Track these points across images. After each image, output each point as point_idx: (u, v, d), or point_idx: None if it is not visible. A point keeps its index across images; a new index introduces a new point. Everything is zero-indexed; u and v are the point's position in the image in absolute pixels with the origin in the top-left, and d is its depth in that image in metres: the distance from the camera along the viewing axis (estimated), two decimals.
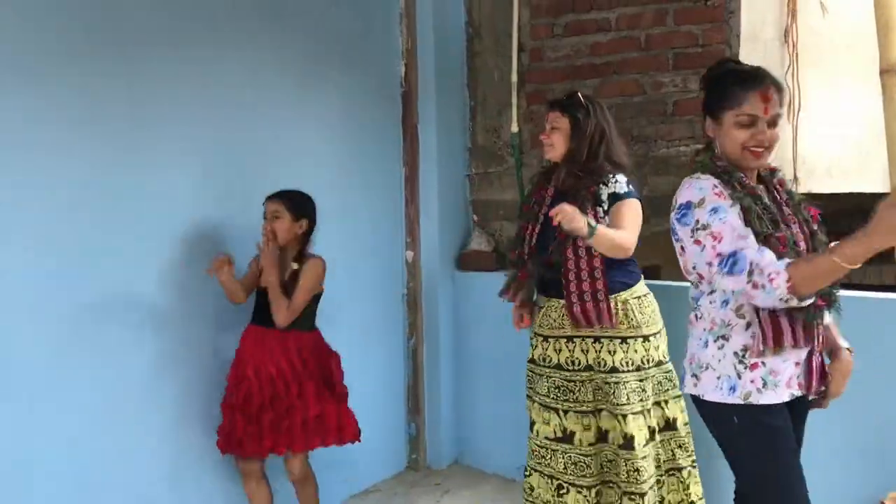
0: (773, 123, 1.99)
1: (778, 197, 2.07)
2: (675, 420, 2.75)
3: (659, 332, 2.76)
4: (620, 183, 2.68)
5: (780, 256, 1.87)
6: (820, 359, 2.04)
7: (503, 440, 3.48)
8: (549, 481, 2.77)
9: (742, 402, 1.99)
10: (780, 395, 2.00)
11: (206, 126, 2.89)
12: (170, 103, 2.75)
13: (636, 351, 2.69)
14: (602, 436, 2.71)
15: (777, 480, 2.00)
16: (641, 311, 2.71)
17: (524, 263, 2.79)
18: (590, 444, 2.71)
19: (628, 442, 2.63)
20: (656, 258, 3.13)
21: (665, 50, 3.46)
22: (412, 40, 3.78)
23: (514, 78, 3.83)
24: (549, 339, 2.78)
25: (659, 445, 2.71)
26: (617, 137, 2.79)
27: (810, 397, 2.06)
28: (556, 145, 2.75)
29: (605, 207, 2.66)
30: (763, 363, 1.98)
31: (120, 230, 2.64)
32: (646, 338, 2.70)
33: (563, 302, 2.71)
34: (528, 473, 2.85)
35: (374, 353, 3.71)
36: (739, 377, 1.99)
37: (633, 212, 2.65)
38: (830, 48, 4.04)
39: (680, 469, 2.73)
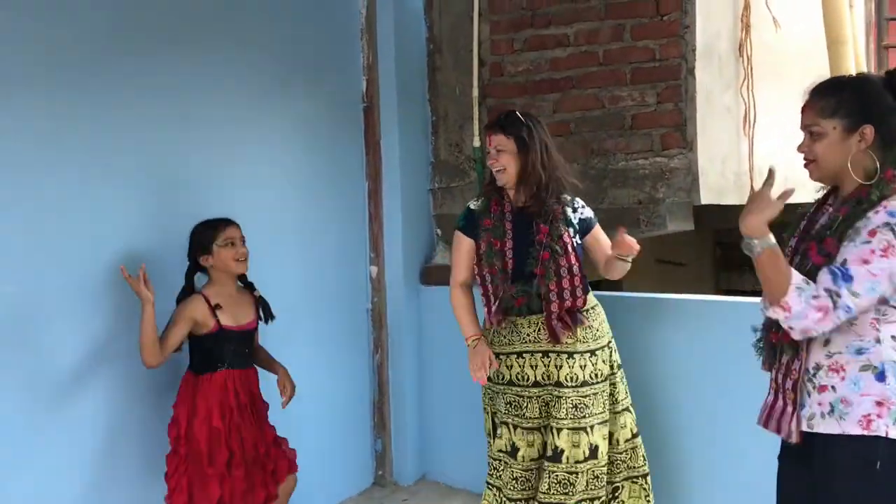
0: (810, 135, 1.88)
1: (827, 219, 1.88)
2: (596, 448, 2.73)
3: (606, 346, 2.80)
4: (586, 207, 2.84)
5: None
6: (780, 403, 1.89)
7: (470, 455, 3.47)
8: (498, 493, 2.81)
9: None
10: None
11: (158, 143, 2.83)
12: (119, 118, 2.69)
13: (583, 367, 2.72)
14: (554, 453, 2.72)
15: None
16: (590, 323, 2.75)
17: (506, 281, 2.73)
18: (532, 460, 2.76)
19: (556, 454, 2.68)
20: None
21: (623, 65, 3.51)
22: (373, 55, 3.79)
23: (476, 93, 3.86)
24: (500, 357, 2.79)
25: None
26: (555, 149, 2.81)
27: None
28: (507, 168, 2.72)
29: (577, 229, 2.78)
30: None
31: (66, 249, 2.56)
32: (592, 352, 2.74)
33: (527, 319, 2.74)
34: (486, 489, 2.88)
35: (338, 369, 3.69)
36: None
37: (605, 236, 2.85)
38: (784, 61, 4.13)
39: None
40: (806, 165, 1.90)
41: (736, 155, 3.78)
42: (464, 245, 2.85)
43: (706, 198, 3.42)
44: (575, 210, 2.80)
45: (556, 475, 2.68)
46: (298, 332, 3.40)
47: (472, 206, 2.88)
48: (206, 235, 2.65)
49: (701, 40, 3.41)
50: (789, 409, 1.86)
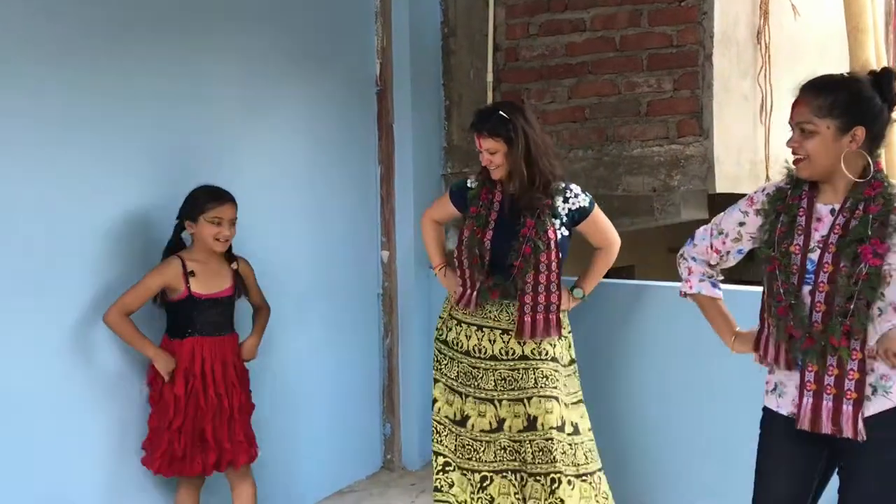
0: (801, 131, 1.89)
1: (840, 219, 1.88)
2: (571, 424, 2.79)
3: (568, 335, 2.88)
4: (580, 196, 2.80)
5: (768, 277, 1.95)
6: (829, 404, 1.87)
7: None
8: (436, 459, 2.91)
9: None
10: (783, 406, 2.00)
11: (172, 121, 2.82)
12: (137, 96, 2.68)
13: (552, 345, 2.79)
14: (499, 425, 2.78)
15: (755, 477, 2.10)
16: (563, 333, 2.84)
17: (482, 271, 2.79)
18: (481, 431, 2.82)
19: (532, 423, 2.74)
20: (630, 258, 3.14)
21: (639, 51, 3.48)
22: (387, 39, 3.76)
23: (490, 77, 3.84)
24: (462, 325, 2.88)
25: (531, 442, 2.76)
26: (544, 138, 2.78)
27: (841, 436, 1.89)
28: (500, 167, 2.73)
29: (564, 221, 2.76)
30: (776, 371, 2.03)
31: (75, 231, 2.56)
32: (561, 335, 2.82)
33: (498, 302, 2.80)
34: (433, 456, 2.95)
35: (349, 353, 3.69)
36: (769, 373, 2.08)
37: (604, 219, 2.85)
38: (802, 49, 4.09)
39: (547, 474, 2.73)
40: (795, 162, 1.93)
41: (752, 143, 3.75)
42: (448, 206, 2.97)
43: (721, 186, 3.40)
44: (567, 200, 2.77)
45: (536, 443, 2.73)
46: (309, 316, 3.41)
47: (469, 185, 2.90)
48: (198, 205, 2.63)
49: (719, 27, 3.37)
50: (847, 407, 1.85)
